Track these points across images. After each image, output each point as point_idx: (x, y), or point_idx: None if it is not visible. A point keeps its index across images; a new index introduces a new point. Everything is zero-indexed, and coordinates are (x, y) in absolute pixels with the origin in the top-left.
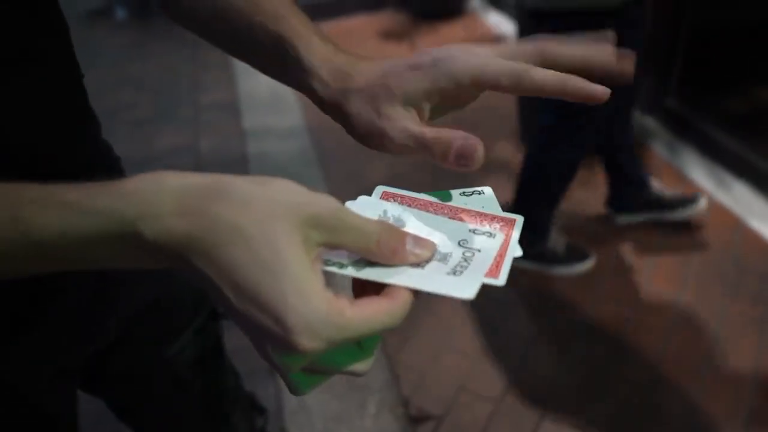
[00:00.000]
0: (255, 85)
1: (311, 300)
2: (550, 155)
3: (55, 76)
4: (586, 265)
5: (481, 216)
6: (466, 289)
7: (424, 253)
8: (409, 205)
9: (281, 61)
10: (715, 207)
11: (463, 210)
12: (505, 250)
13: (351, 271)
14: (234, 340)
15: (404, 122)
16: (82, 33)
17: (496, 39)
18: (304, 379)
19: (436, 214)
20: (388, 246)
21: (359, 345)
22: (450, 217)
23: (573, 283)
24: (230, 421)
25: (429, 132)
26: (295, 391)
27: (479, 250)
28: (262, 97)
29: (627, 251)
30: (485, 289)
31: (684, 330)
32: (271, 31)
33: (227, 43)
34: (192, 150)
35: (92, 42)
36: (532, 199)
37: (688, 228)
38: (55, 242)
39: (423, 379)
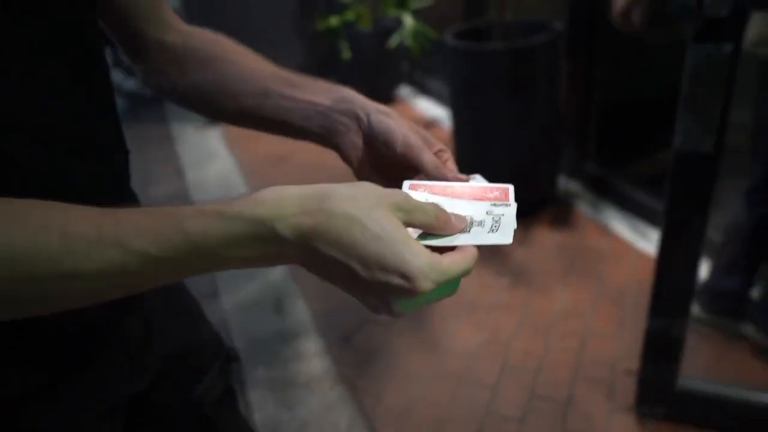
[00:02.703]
0: (203, 174)
1: (420, 256)
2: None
3: (102, 152)
4: None
5: (486, 189)
6: (505, 238)
7: (462, 224)
8: (432, 193)
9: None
10: (636, 254)
11: (471, 191)
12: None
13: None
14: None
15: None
16: None
17: (428, 123)
18: (411, 306)
19: (455, 198)
20: (442, 219)
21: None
22: (468, 199)
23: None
24: None
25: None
26: (398, 315)
27: (503, 215)
28: (211, 185)
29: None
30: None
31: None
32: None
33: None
34: None
35: None
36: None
37: (610, 270)
38: (209, 244)
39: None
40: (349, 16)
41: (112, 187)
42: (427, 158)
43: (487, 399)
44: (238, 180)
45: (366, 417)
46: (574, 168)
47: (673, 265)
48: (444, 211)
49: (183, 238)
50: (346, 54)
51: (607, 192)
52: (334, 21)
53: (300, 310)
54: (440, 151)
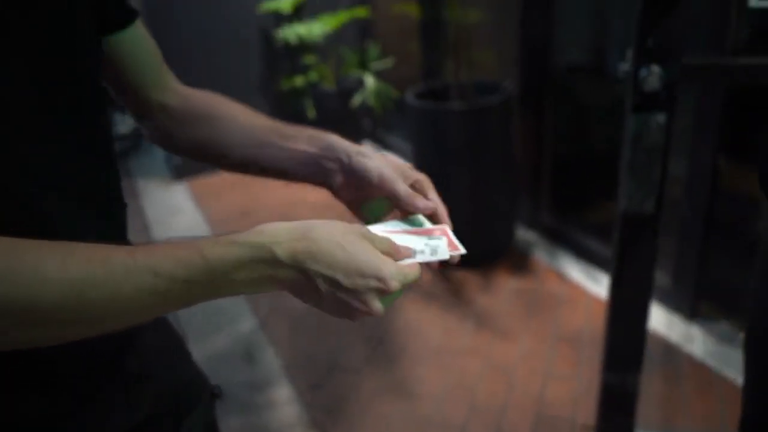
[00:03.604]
0: (168, 229)
1: (390, 264)
2: None
3: (105, 205)
4: None
5: (430, 230)
6: (444, 256)
7: (408, 252)
8: (387, 232)
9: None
10: (591, 298)
11: (415, 231)
12: (452, 240)
13: None
14: None
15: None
16: None
17: None
18: (387, 304)
19: (405, 235)
20: (394, 248)
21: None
22: (412, 235)
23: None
24: None
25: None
26: (380, 312)
27: (438, 246)
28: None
29: (507, 328)
30: None
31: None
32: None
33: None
34: None
35: None
36: None
37: (567, 313)
38: (224, 267)
39: None
40: (313, 76)
41: (113, 237)
42: (401, 189)
43: None
44: (204, 235)
45: None
46: (531, 219)
47: (623, 320)
48: (395, 243)
49: (203, 263)
50: (311, 113)
51: (561, 240)
52: (298, 81)
53: (270, 359)
54: (418, 181)
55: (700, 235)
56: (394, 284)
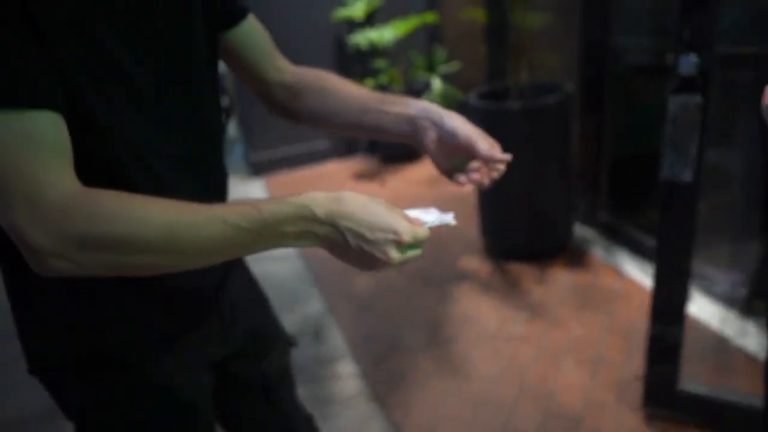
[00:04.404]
0: None
1: (404, 222)
2: None
3: (213, 173)
4: None
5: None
6: (448, 221)
7: (419, 221)
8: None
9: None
10: (646, 294)
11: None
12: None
13: None
14: None
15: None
16: None
17: None
18: (401, 258)
19: (423, 213)
20: (408, 218)
21: (416, 245)
22: (428, 213)
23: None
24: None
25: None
26: (396, 261)
27: (445, 218)
28: None
29: (562, 320)
30: None
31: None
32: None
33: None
34: None
35: None
36: None
37: (621, 307)
38: (274, 220)
39: None
40: (383, 79)
41: (216, 200)
42: (482, 145)
43: (505, 418)
44: None
45: (396, 430)
46: (588, 216)
47: (667, 275)
48: (409, 216)
49: (259, 215)
50: None
51: (618, 237)
52: (369, 84)
53: (336, 338)
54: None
55: (756, 233)
56: (407, 237)
